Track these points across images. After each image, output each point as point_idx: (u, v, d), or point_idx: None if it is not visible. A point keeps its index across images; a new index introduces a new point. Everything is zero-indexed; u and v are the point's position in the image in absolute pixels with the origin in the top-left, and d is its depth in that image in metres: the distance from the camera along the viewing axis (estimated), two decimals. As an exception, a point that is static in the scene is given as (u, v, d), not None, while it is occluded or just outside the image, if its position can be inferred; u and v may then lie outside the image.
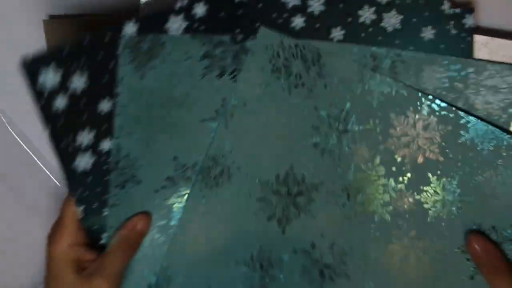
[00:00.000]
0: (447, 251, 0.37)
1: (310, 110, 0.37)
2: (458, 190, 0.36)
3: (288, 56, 0.37)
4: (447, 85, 0.36)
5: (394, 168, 0.37)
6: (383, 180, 0.37)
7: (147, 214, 0.37)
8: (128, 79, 0.35)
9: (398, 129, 0.37)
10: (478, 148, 0.36)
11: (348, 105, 0.37)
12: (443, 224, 0.37)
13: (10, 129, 0.43)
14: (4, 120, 0.42)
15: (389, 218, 0.37)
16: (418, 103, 0.36)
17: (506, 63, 0.37)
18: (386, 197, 0.37)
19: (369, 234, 0.37)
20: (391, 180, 0.37)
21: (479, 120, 0.36)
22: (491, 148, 0.36)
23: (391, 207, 0.37)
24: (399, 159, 0.37)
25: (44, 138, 0.42)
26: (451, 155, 0.36)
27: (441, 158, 0.36)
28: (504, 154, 0.35)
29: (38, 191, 0.44)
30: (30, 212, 0.44)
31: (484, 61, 0.36)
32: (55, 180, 0.44)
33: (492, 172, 0.36)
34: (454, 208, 0.36)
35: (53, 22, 0.39)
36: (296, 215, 0.38)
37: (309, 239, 0.38)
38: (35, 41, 0.41)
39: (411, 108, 0.36)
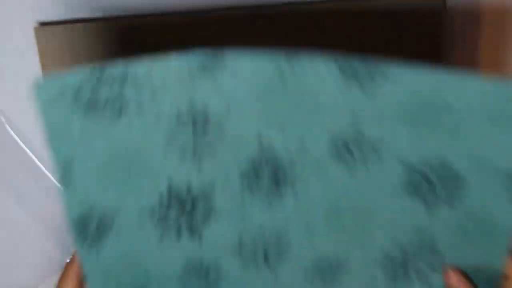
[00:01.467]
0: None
1: None
2: None
3: None
4: None
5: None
6: None
7: None
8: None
9: None
10: None
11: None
12: None
13: (9, 129, 0.43)
14: (3, 120, 0.42)
15: None
16: None
17: None
18: None
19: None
20: None
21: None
22: None
23: None
24: None
25: (44, 138, 0.42)
26: None
27: None
28: None
29: (38, 191, 0.44)
30: (29, 212, 0.44)
31: None
32: (55, 180, 0.44)
33: None
34: None
35: (45, 29, 0.39)
36: (204, 221, 0.37)
37: (231, 240, 0.37)
38: (35, 41, 0.41)
39: None
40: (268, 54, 0.34)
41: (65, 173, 0.35)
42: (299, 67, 0.34)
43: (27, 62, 0.41)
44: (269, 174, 0.37)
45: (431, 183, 0.37)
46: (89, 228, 0.37)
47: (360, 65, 0.35)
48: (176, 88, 0.34)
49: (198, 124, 0.35)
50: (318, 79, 0.34)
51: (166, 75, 0.34)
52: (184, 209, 0.37)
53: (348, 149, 0.37)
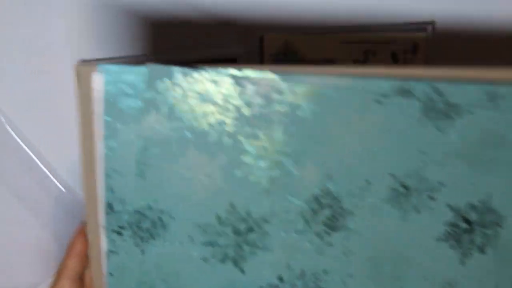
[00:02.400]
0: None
1: None
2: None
3: None
4: None
5: None
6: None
7: None
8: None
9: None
10: None
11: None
12: None
13: (9, 129, 0.43)
14: (3, 120, 0.42)
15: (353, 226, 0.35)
16: None
17: None
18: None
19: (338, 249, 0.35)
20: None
21: None
22: None
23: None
24: None
25: (44, 138, 0.42)
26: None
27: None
28: None
29: (38, 191, 0.44)
30: (30, 212, 0.44)
31: None
32: (55, 180, 0.44)
33: None
34: None
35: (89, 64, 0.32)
36: (252, 253, 0.36)
37: (274, 273, 0.36)
38: (35, 41, 0.41)
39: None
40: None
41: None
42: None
43: (27, 62, 0.41)
44: (326, 216, 0.35)
45: (471, 229, 0.35)
46: (142, 224, 0.34)
47: (440, 97, 0.32)
48: None
49: None
50: (401, 115, 0.33)
51: None
52: (237, 234, 0.36)
53: (407, 193, 0.35)
